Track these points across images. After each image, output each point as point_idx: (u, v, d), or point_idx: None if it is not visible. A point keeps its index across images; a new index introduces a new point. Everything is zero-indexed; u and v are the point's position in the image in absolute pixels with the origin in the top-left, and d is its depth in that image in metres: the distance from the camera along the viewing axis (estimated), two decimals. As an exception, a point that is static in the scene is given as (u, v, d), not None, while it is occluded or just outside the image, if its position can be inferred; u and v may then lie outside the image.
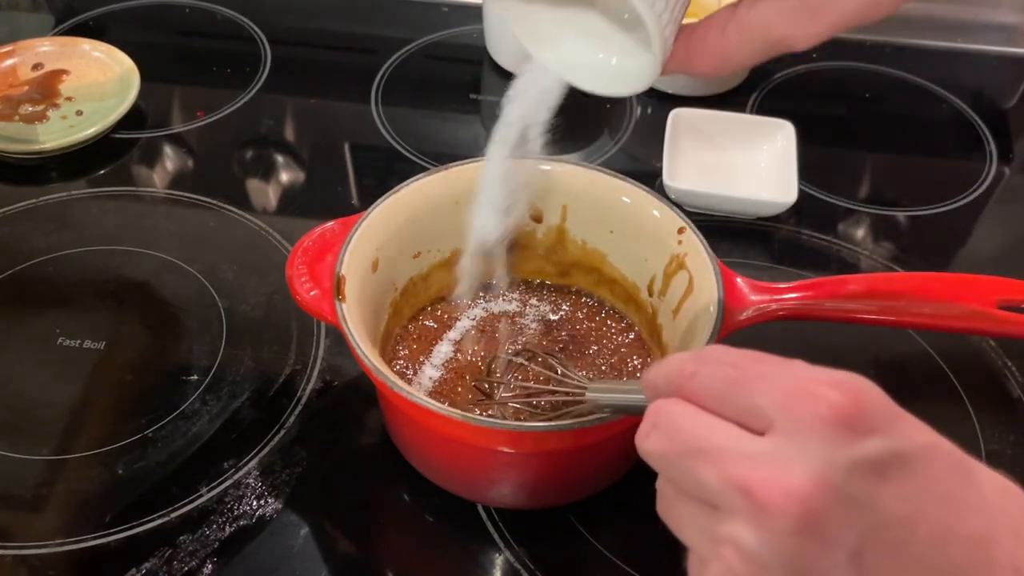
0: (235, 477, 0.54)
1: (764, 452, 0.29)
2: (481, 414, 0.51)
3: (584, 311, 0.60)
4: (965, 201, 0.75)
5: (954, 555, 0.28)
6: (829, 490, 0.27)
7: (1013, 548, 0.29)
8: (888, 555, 0.28)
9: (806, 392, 0.29)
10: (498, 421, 0.44)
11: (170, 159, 0.77)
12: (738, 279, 0.51)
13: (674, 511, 0.33)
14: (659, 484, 0.33)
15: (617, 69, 0.43)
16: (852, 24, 0.37)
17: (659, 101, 0.82)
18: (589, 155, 0.77)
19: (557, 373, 0.48)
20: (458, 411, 0.43)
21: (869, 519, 0.28)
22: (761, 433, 0.30)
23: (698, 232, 0.51)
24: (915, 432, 0.30)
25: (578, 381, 0.45)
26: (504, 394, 0.52)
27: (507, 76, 0.84)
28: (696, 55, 0.40)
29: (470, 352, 0.57)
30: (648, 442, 0.33)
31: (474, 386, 0.54)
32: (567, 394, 0.45)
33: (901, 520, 0.28)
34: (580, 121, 0.79)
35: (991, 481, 0.30)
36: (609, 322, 0.59)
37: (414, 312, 0.58)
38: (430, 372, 0.56)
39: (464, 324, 0.58)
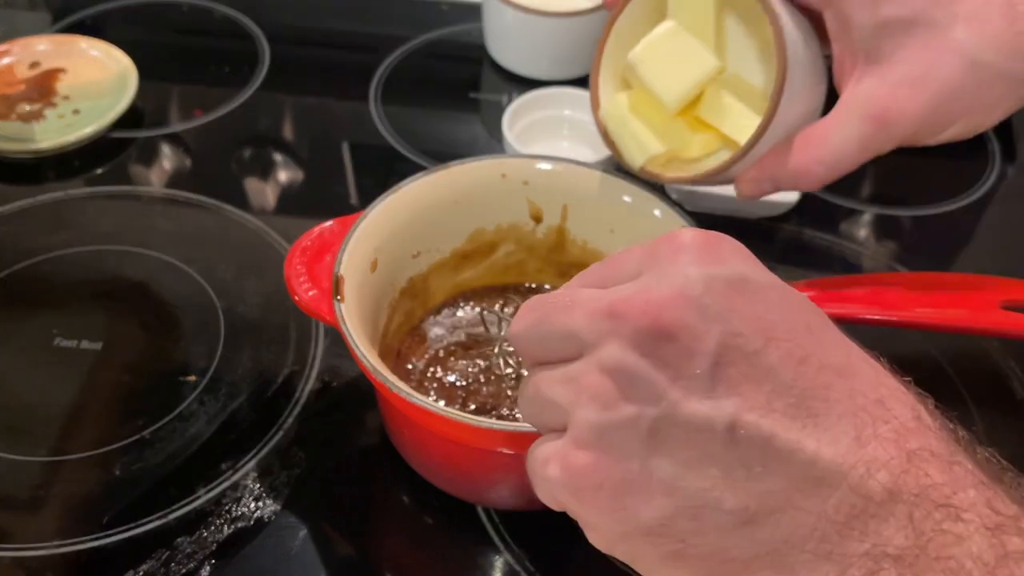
0: (233, 478, 0.53)
1: (629, 286, 0.31)
2: (484, 408, 0.51)
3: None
4: (968, 200, 0.75)
5: (813, 376, 0.28)
6: (686, 299, 0.29)
7: (876, 384, 0.29)
8: (746, 364, 0.28)
9: (666, 239, 0.31)
10: (498, 422, 0.43)
11: (168, 158, 0.76)
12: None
13: (533, 389, 0.33)
14: (522, 382, 0.34)
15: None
16: (956, 97, 0.38)
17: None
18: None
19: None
20: (458, 412, 0.43)
21: (725, 328, 0.29)
22: None
23: (699, 232, 0.51)
24: (770, 274, 0.32)
25: None
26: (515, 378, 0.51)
27: (507, 76, 0.84)
28: (796, 149, 0.41)
29: (470, 353, 0.56)
30: (521, 320, 0.34)
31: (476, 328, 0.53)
32: None
33: (756, 332, 0.29)
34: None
35: (849, 339, 0.31)
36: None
37: (414, 312, 0.58)
38: (429, 373, 0.55)
39: (464, 325, 0.58)
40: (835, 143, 0.41)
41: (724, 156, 0.45)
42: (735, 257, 0.31)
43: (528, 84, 0.81)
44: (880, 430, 0.28)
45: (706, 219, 0.69)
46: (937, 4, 0.37)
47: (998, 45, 0.38)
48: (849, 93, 0.40)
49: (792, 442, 0.28)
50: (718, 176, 0.46)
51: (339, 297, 0.47)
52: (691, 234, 0.31)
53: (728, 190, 0.69)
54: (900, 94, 0.39)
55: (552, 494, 0.33)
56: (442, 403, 0.53)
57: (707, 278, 0.29)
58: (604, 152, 0.70)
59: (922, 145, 0.41)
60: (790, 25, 0.41)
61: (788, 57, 0.40)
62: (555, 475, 0.31)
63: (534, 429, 0.44)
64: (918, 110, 0.39)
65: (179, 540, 0.50)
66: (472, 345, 0.57)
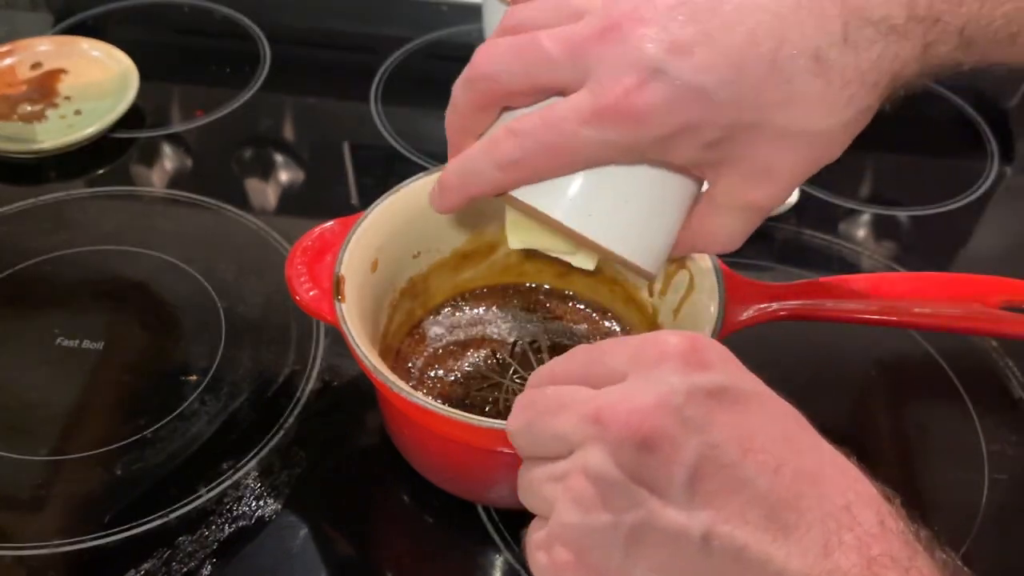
0: (234, 478, 0.53)
1: (615, 390, 0.32)
2: (485, 407, 0.51)
3: (584, 313, 0.59)
4: (967, 201, 0.75)
5: (786, 485, 0.30)
6: (668, 409, 0.30)
7: (845, 491, 0.30)
8: (722, 476, 0.30)
9: (652, 342, 0.33)
10: (498, 422, 0.43)
11: (169, 159, 0.76)
12: (738, 279, 0.51)
13: (527, 481, 0.35)
14: (519, 474, 0.36)
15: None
16: (806, 176, 0.39)
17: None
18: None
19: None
20: (458, 412, 0.43)
21: (704, 439, 0.30)
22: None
23: (699, 232, 0.51)
24: (754, 381, 0.33)
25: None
26: (515, 379, 0.51)
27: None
28: (689, 239, 0.42)
29: (470, 353, 0.56)
30: (515, 421, 0.35)
31: (488, 366, 0.53)
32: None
33: (734, 444, 0.30)
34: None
35: (825, 442, 0.32)
36: (608, 323, 0.59)
37: (414, 312, 0.58)
38: (430, 372, 0.55)
39: (464, 325, 0.58)
40: (723, 237, 0.42)
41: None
42: (718, 364, 0.32)
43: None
44: (845, 537, 0.29)
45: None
46: (750, 110, 0.36)
47: (829, 113, 0.36)
48: (710, 191, 0.40)
49: (763, 553, 0.29)
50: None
51: (340, 297, 0.47)
52: (676, 340, 0.32)
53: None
54: (759, 184, 0.39)
55: None
56: (441, 402, 0.53)
57: (689, 388, 0.31)
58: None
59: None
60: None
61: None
62: (543, 563, 0.33)
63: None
64: (779, 192, 0.39)
65: (180, 539, 0.50)
66: (470, 345, 0.57)
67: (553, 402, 0.34)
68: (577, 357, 0.36)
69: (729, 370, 0.32)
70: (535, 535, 0.34)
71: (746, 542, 0.29)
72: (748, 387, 0.32)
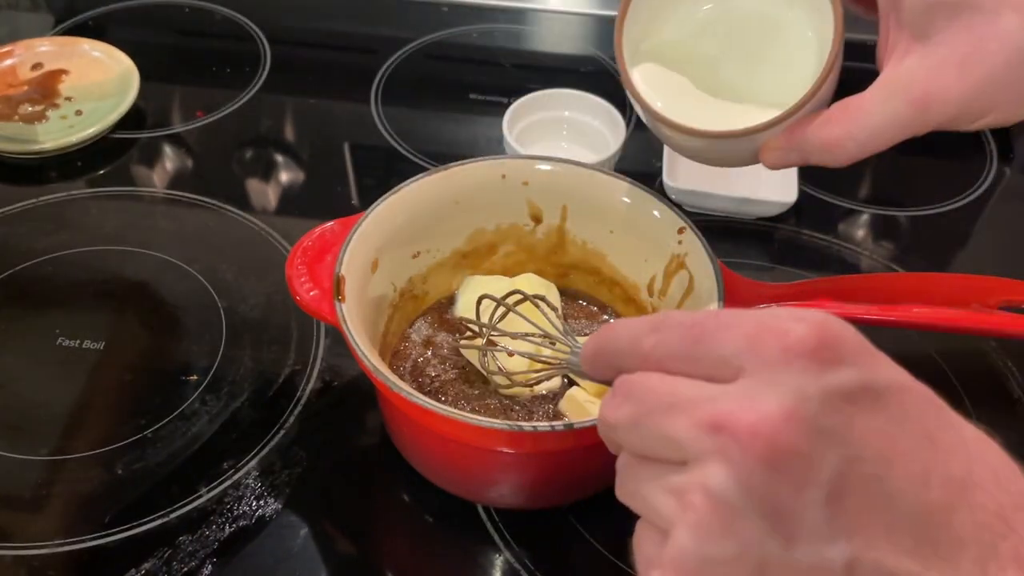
0: (235, 477, 0.54)
1: (734, 393, 0.28)
2: (482, 402, 0.51)
3: (586, 310, 0.60)
4: (966, 201, 0.75)
5: (934, 496, 0.27)
6: (801, 421, 0.26)
7: (995, 493, 0.28)
8: (865, 493, 0.26)
9: (770, 330, 0.28)
10: (498, 421, 0.44)
11: (170, 159, 0.76)
12: (738, 279, 0.51)
13: (634, 483, 0.31)
14: (619, 462, 0.32)
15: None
16: (998, 85, 0.37)
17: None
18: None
19: (560, 325, 0.46)
20: (458, 411, 0.43)
21: (843, 452, 0.26)
22: (732, 381, 0.29)
23: (698, 232, 0.51)
24: (887, 369, 0.29)
25: (571, 346, 0.43)
26: (494, 335, 0.49)
27: (507, 77, 0.84)
28: (833, 119, 0.39)
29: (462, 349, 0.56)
30: (620, 412, 0.31)
31: (461, 320, 0.53)
32: (552, 355, 0.45)
33: (877, 455, 0.27)
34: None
35: (969, 429, 0.29)
36: (609, 318, 0.59)
37: (414, 312, 0.58)
38: (430, 372, 0.55)
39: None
40: (873, 121, 0.39)
41: (759, 118, 0.44)
42: (852, 357, 0.28)
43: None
44: (1001, 548, 0.27)
45: (705, 219, 0.70)
46: None
47: None
48: (892, 70, 0.38)
49: None
50: (748, 137, 0.45)
51: (340, 297, 0.48)
52: (803, 330, 0.28)
53: (727, 190, 0.70)
54: (943, 77, 0.37)
55: None
56: (440, 400, 0.53)
57: (823, 393, 0.27)
58: (604, 152, 0.71)
59: (956, 131, 0.40)
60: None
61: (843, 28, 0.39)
62: None
63: (533, 428, 0.45)
64: (960, 95, 0.38)
65: (181, 539, 0.51)
66: (460, 331, 0.57)
67: (662, 399, 0.30)
68: (673, 333, 0.30)
69: (864, 361, 0.28)
70: (647, 548, 0.30)
71: (895, 569, 0.26)
72: (886, 379, 0.28)
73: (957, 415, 0.29)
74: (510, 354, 0.50)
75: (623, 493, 0.32)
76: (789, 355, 0.27)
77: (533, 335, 0.46)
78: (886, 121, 0.39)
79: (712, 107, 0.47)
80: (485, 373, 0.51)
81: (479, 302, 0.49)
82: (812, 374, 0.27)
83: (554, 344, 0.45)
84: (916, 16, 0.37)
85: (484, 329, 0.49)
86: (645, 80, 0.47)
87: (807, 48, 0.45)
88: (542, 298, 0.47)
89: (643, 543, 0.30)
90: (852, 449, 0.26)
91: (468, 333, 0.55)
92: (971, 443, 0.29)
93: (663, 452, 0.30)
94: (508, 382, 0.51)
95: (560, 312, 0.45)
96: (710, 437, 0.27)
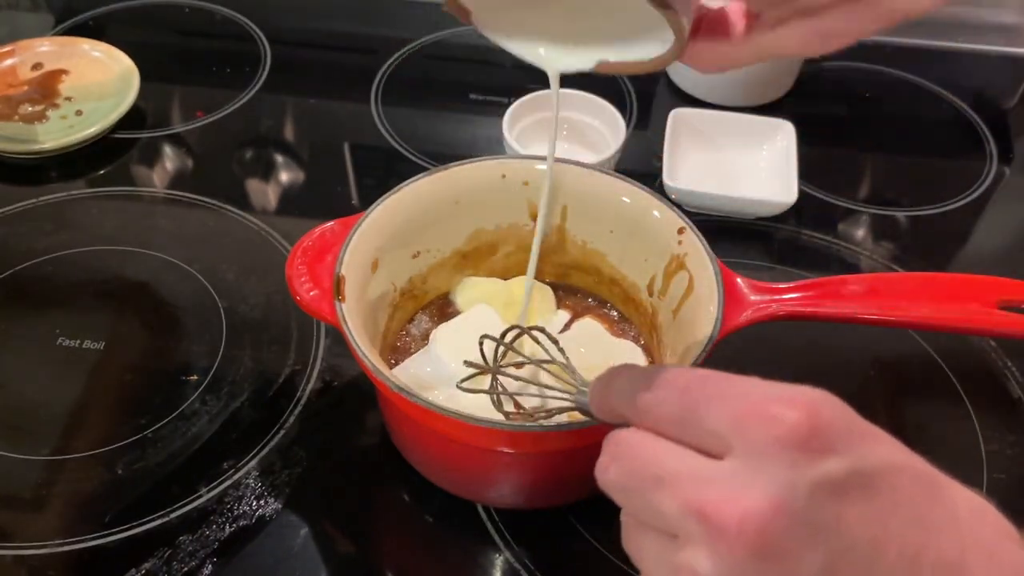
0: (235, 477, 0.54)
1: (721, 476, 0.28)
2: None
3: (586, 305, 0.60)
4: (965, 201, 0.75)
5: None
6: (788, 514, 0.26)
7: (988, 571, 0.28)
8: None
9: (760, 414, 0.28)
10: (498, 421, 0.44)
11: (170, 159, 0.76)
12: (738, 279, 0.51)
13: (635, 542, 0.32)
14: (622, 516, 0.33)
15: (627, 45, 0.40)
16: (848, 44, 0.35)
17: (666, 100, 0.82)
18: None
19: (564, 361, 0.45)
20: (458, 411, 0.43)
21: (834, 543, 0.27)
22: (720, 457, 0.29)
23: (698, 232, 0.51)
24: (878, 449, 0.29)
25: (577, 381, 0.44)
26: (501, 365, 0.48)
27: (507, 77, 0.84)
28: (702, 58, 0.38)
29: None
30: (608, 474, 0.32)
31: (467, 363, 0.52)
32: (562, 389, 0.44)
33: (867, 543, 0.27)
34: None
35: (963, 501, 0.29)
36: (611, 312, 0.59)
37: (414, 312, 0.58)
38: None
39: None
40: (736, 64, 0.38)
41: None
42: (843, 444, 0.28)
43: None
44: None
45: (705, 219, 0.70)
46: None
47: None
48: (762, 34, 0.36)
49: None
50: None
51: (340, 297, 0.48)
52: (794, 419, 0.27)
53: (727, 190, 0.70)
54: (811, 43, 0.35)
55: None
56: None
57: (812, 485, 0.26)
58: (604, 152, 0.71)
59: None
60: None
61: None
62: None
63: (532, 429, 0.44)
64: (819, 53, 0.36)
65: (181, 538, 0.51)
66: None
67: (650, 469, 0.30)
68: (668, 395, 0.31)
69: (854, 446, 0.28)
70: None
71: None
72: (875, 462, 0.28)
73: (952, 486, 0.29)
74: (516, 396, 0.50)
75: (626, 547, 0.32)
76: (778, 445, 0.27)
77: (541, 372, 0.46)
78: (748, 64, 0.38)
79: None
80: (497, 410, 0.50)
81: (481, 343, 0.49)
82: (801, 466, 0.27)
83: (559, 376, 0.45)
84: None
85: (490, 368, 0.49)
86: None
87: None
88: (541, 330, 0.46)
89: None
90: (842, 541, 0.27)
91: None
92: (964, 520, 0.29)
93: (654, 521, 0.30)
94: (523, 420, 0.49)
95: (560, 344, 0.45)
96: (697, 523, 0.28)
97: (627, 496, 0.31)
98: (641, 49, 0.40)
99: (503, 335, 0.47)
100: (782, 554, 0.26)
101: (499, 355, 0.47)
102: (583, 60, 0.41)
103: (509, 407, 0.49)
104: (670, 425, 0.31)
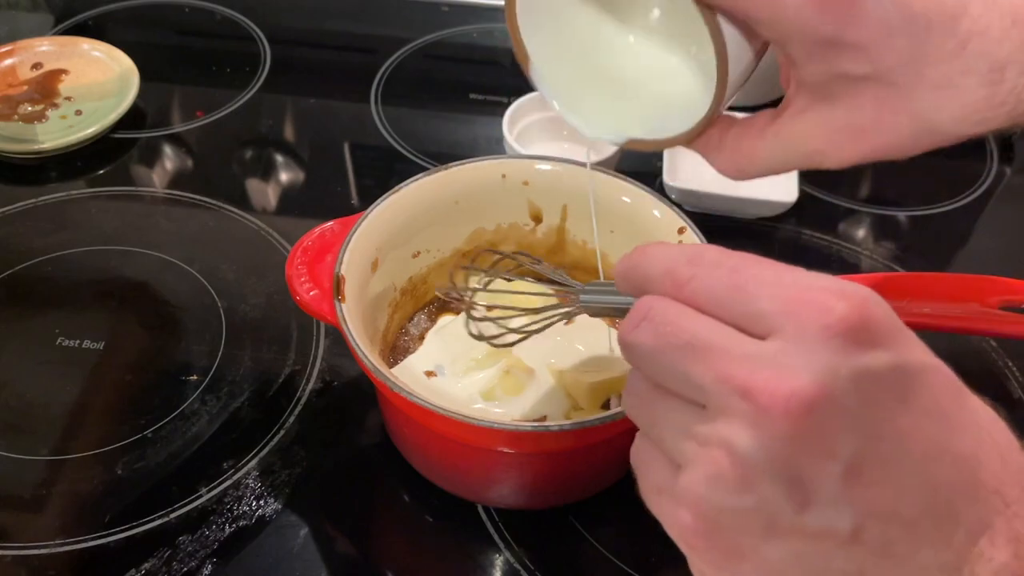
0: (235, 477, 0.54)
1: (766, 355, 0.28)
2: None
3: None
4: (966, 201, 0.75)
5: (942, 473, 0.28)
6: (831, 399, 0.27)
7: (997, 471, 0.29)
8: (880, 469, 0.28)
9: (813, 301, 0.29)
10: (498, 421, 0.44)
11: (169, 159, 0.76)
12: (738, 279, 0.51)
13: (648, 407, 0.31)
14: (632, 379, 0.32)
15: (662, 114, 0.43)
16: (884, 156, 0.38)
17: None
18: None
19: (550, 274, 0.45)
20: (458, 411, 0.43)
21: (867, 432, 0.27)
22: (762, 338, 0.29)
23: (698, 232, 0.51)
24: (917, 350, 0.30)
25: (570, 284, 0.42)
26: (480, 291, 0.48)
27: (508, 77, 0.84)
28: (726, 149, 0.40)
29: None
30: (636, 334, 0.31)
31: (440, 293, 0.51)
32: (556, 296, 0.44)
33: (896, 435, 0.28)
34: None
35: (982, 410, 0.31)
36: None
37: (414, 312, 0.58)
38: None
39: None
40: (762, 165, 0.40)
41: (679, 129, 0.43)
42: (887, 339, 0.29)
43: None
44: (995, 522, 0.28)
45: (705, 219, 0.70)
46: (904, 66, 0.35)
47: (965, 115, 0.36)
48: (788, 124, 0.39)
49: (911, 548, 0.28)
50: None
51: (340, 297, 0.48)
52: (844, 310, 0.28)
53: (727, 190, 0.70)
54: (839, 141, 0.38)
55: (663, 523, 0.31)
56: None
57: (855, 375, 0.27)
58: (604, 153, 0.71)
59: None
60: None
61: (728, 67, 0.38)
62: (665, 513, 0.30)
63: (532, 429, 0.45)
64: (852, 158, 0.39)
65: (181, 539, 0.51)
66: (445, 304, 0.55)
67: (686, 335, 0.30)
68: (711, 273, 0.31)
69: (897, 343, 0.29)
70: (655, 474, 0.31)
71: (896, 538, 0.28)
72: (914, 361, 0.29)
73: (972, 395, 0.31)
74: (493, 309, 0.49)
75: (634, 415, 0.32)
76: (828, 332, 0.28)
77: (527, 291, 0.46)
78: (774, 166, 0.40)
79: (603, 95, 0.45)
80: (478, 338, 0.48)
81: (452, 275, 0.47)
82: (847, 354, 0.28)
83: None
84: (818, 80, 0.37)
85: (467, 297, 0.48)
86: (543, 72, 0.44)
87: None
88: (524, 254, 0.46)
89: (650, 468, 0.31)
90: (874, 429, 0.27)
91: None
92: (983, 423, 0.30)
93: (681, 389, 0.30)
94: (512, 338, 0.46)
95: (544, 263, 0.45)
96: (739, 399, 0.28)
97: (652, 360, 0.31)
98: (671, 126, 0.42)
99: (473, 259, 0.46)
100: (821, 437, 0.27)
101: (472, 283, 0.46)
102: (614, 135, 0.43)
103: (490, 331, 0.47)
104: (711, 299, 0.30)
